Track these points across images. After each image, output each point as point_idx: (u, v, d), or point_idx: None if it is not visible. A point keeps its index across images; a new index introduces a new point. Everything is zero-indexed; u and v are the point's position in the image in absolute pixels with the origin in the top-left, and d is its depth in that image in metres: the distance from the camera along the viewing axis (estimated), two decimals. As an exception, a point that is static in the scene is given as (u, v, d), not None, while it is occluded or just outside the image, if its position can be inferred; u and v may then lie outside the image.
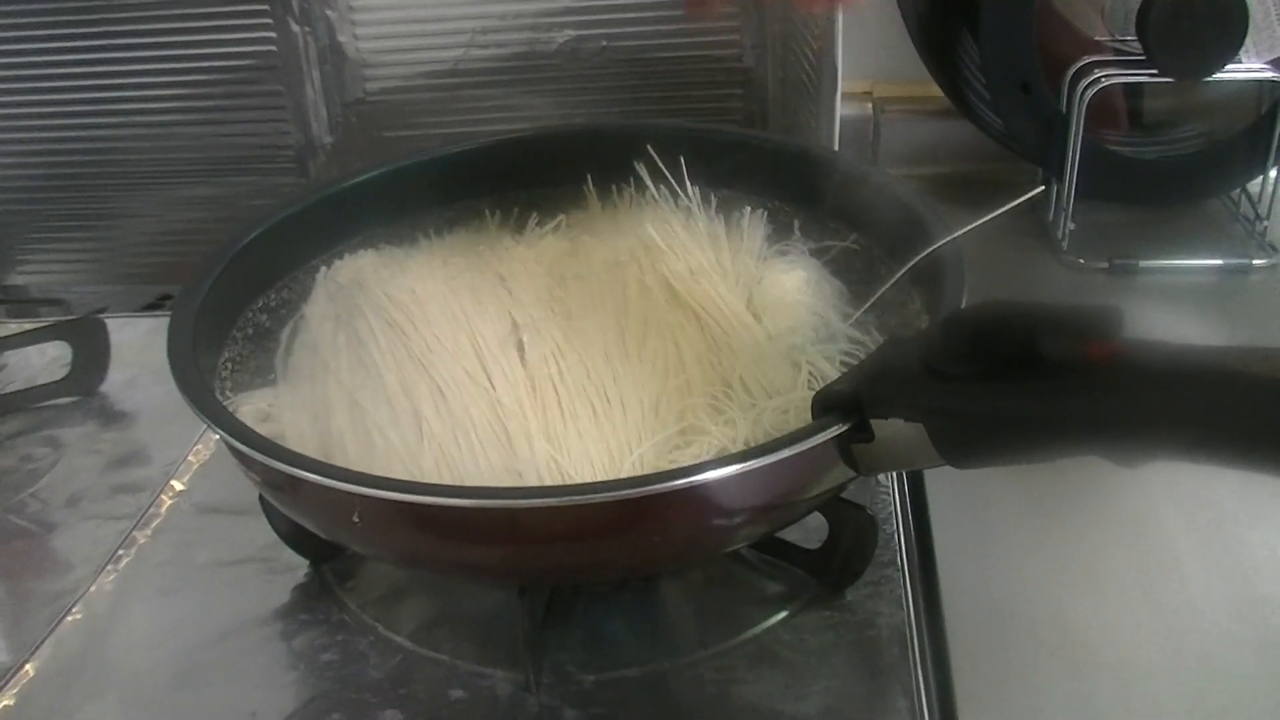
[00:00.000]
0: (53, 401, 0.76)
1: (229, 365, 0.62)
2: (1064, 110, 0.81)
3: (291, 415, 0.57)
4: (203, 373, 0.54)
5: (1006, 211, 0.87)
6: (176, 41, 0.90)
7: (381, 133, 0.91)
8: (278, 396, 0.59)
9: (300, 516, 0.52)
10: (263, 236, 0.65)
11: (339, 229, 0.69)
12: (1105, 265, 0.83)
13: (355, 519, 0.48)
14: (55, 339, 0.76)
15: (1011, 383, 0.44)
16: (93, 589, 0.61)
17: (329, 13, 0.88)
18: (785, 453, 0.46)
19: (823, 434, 0.47)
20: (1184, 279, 0.83)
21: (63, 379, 0.76)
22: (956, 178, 0.93)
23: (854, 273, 0.66)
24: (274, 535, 0.61)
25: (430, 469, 0.52)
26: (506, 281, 0.64)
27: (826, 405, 0.48)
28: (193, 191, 0.95)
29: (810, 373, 0.58)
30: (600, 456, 0.53)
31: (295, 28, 0.88)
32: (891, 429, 0.47)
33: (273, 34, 0.89)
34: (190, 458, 0.69)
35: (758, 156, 0.72)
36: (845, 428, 0.47)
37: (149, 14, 0.89)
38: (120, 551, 0.63)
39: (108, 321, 0.78)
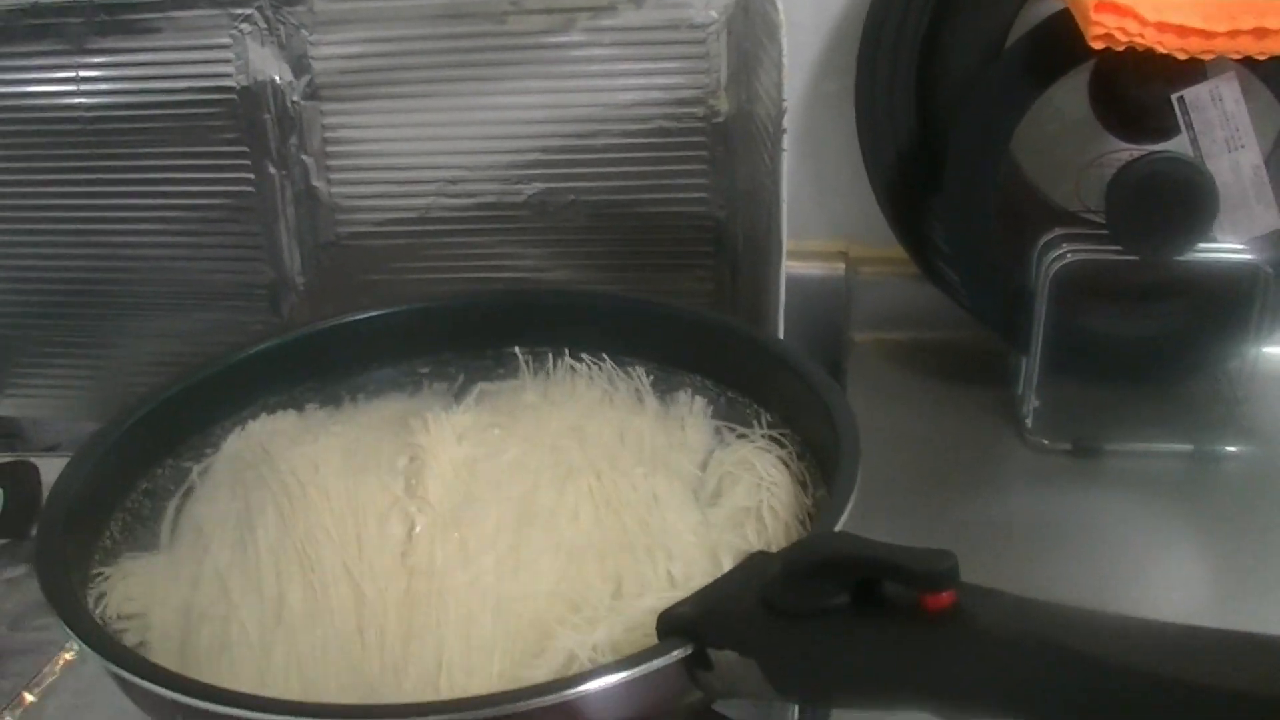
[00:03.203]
0: (-15, 542, 0.77)
1: (127, 519, 0.62)
2: (1031, 284, 0.79)
3: (162, 588, 0.56)
4: (70, 530, 0.54)
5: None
6: (159, 179, 0.92)
7: (353, 276, 0.92)
8: (154, 565, 0.58)
9: (135, 704, 0.51)
10: (179, 394, 0.66)
11: (260, 388, 0.69)
12: (1069, 447, 0.81)
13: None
14: (-13, 480, 0.77)
15: (843, 626, 0.42)
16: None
17: (305, 158, 0.89)
18: (618, 676, 0.45)
19: (657, 661, 0.45)
20: (1151, 464, 0.80)
21: (-6, 519, 0.77)
22: (928, 344, 0.91)
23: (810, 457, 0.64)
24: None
25: (279, 664, 0.51)
26: (418, 460, 0.63)
27: (670, 629, 0.47)
28: (170, 324, 0.96)
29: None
30: (458, 665, 0.52)
31: (272, 170, 0.90)
32: (728, 661, 0.45)
33: (251, 175, 0.90)
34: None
35: (693, 332, 0.72)
36: (682, 655, 0.46)
37: (135, 150, 0.91)
38: (5, 715, 0.63)
39: (48, 463, 0.78)
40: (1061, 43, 0.72)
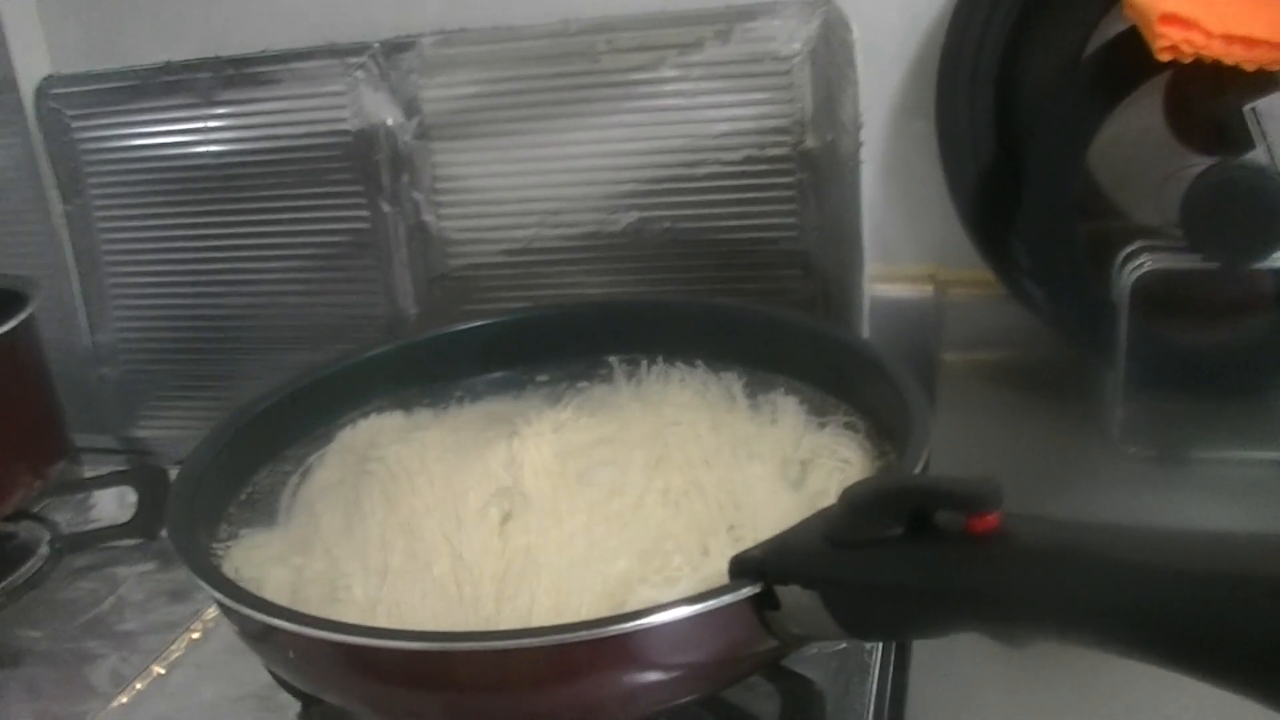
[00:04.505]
0: (121, 541, 0.83)
1: (245, 501, 0.67)
2: (1114, 297, 0.81)
3: (275, 559, 0.61)
4: (197, 505, 0.60)
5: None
6: (283, 219, 0.99)
7: (462, 305, 0.97)
8: (270, 539, 0.63)
9: (255, 651, 0.55)
10: (296, 392, 0.71)
11: (371, 390, 0.74)
12: (1156, 456, 0.81)
13: (290, 655, 0.51)
14: (123, 484, 0.83)
15: (898, 553, 0.45)
16: (99, 716, 0.66)
17: (416, 195, 0.95)
18: (689, 610, 0.48)
19: (727, 597, 0.48)
20: (1239, 471, 0.80)
21: (128, 522, 0.83)
22: (1016, 362, 0.93)
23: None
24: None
25: (381, 618, 0.55)
26: (517, 450, 0.66)
27: (741, 570, 0.50)
28: (295, 358, 1.01)
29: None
30: (547, 618, 0.55)
31: (386, 208, 0.95)
32: (793, 596, 0.48)
33: (366, 213, 0.96)
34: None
35: (781, 334, 0.75)
36: (751, 592, 0.48)
37: (260, 193, 0.98)
38: (137, 684, 0.68)
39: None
40: (1132, 58, 0.75)
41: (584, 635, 0.47)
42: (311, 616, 0.49)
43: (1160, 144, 0.83)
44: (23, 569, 0.82)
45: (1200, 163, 0.82)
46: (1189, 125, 0.82)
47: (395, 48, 0.92)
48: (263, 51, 0.95)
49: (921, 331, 0.96)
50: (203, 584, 0.52)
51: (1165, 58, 0.72)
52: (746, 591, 0.48)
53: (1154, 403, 0.84)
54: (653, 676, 0.50)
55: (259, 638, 0.53)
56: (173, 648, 0.71)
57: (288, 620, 0.49)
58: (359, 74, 0.93)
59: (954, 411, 0.89)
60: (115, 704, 0.68)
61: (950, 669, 0.61)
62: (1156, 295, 0.81)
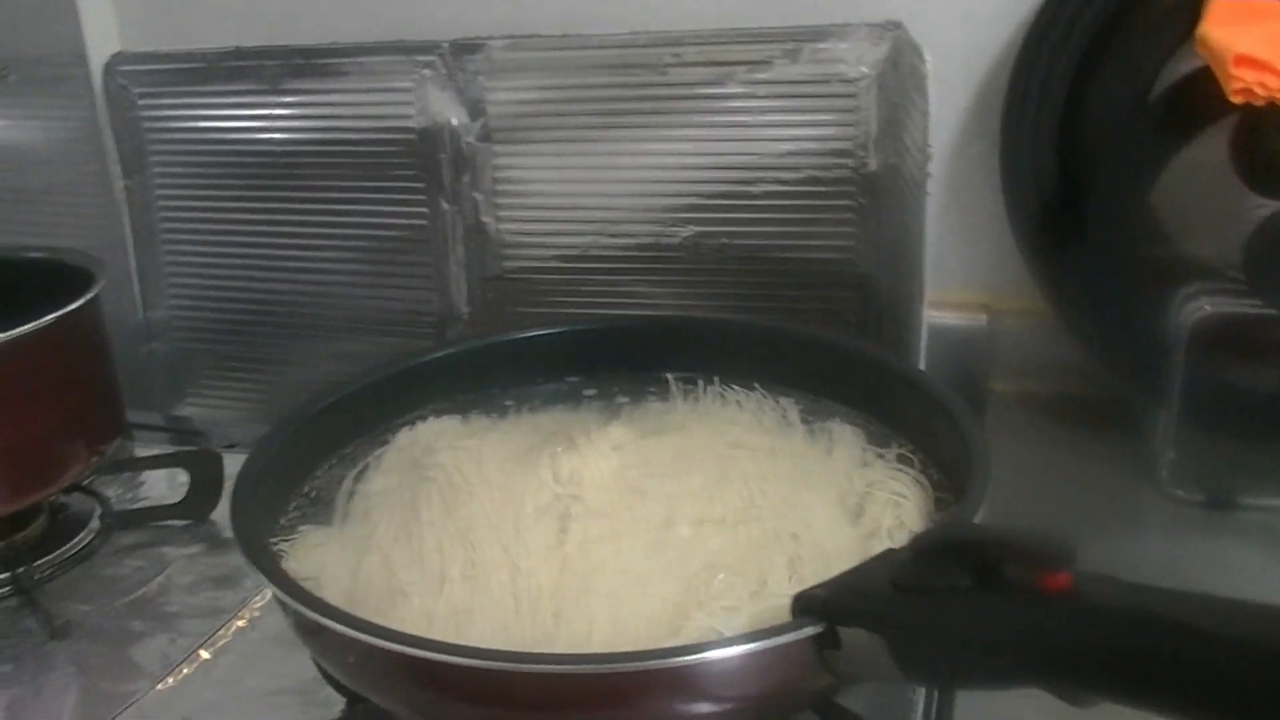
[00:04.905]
0: (170, 522, 0.84)
1: (304, 498, 0.68)
2: (1170, 337, 0.81)
3: (333, 558, 0.62)
4: (260, 500, 0.61)
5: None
6: (342, 210, 0.99)
7: (514, 308, 0.97)
8: (327, 538, 0.63)
9: (311, 649, 0.56)
10: (358, 391, 0.72)
11: (431, 393, 0.75)
12: (1203, 499, 0.81)
13: (351, 659, 0.52)
14: (175, 466, 0.84)
15: (966, 603, 0.45)
16: (147, 697, 0.67)
17: (475, 195, 0.95)
18: (751, 646, 0.48)
19: (789, 635, 0.49)
20: (1285, 520, 0.80)
21: (179, 503, 0.84)
22: (1068, 396, 0.93)
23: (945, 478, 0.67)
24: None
25: (438, 630, 0.56)
26: (575, 463, 0.66)
27: (804, 608, 0.50)
28: (343, 347, 1.02)
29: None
30: (604, 637, 0.55)
31: (445, 206, 0.96)
32: (856, 638, 0.48)
33: (425, 209, 0.97)
34: (271, 587, 0.75)
35: (842, 361, 0.75)
36: (814, 632, 0.49)
37: (321, 183, 0.99)
38: (184, 667, 0.69)
39: (230, 456, 0.85)
40: (1202, 98, 0.75)
41: (649, 665, 0.48)
42: (394, 631, 0.50)
43: (1225, 184, 0.82)
44: (74, 541, 0.84)
45: (1265, 205, 0.81)
46: (1255, 166, 0.81)
47: (464, 49, 0.92)
48: (331, 43, 0.96)
49: (973, 359, 0.95)
50: (280, 594, 0.53)
51: (1239, 100, 0.72)
52: (809, 630, 0.49)
53: (1204, 446, 0.84)
54: (706, 707, 0.51)
55: (318, 637, 0.54)
56: (220, 633, 0.72)
57: (368, 634, 0.50)
58: (426, 72, 0.94)
59: (1002, 441, 0.88)
60: (162, 686, 0.69)
61: (996, 702, 0.61)
62: (1213, 338, 0.81)
